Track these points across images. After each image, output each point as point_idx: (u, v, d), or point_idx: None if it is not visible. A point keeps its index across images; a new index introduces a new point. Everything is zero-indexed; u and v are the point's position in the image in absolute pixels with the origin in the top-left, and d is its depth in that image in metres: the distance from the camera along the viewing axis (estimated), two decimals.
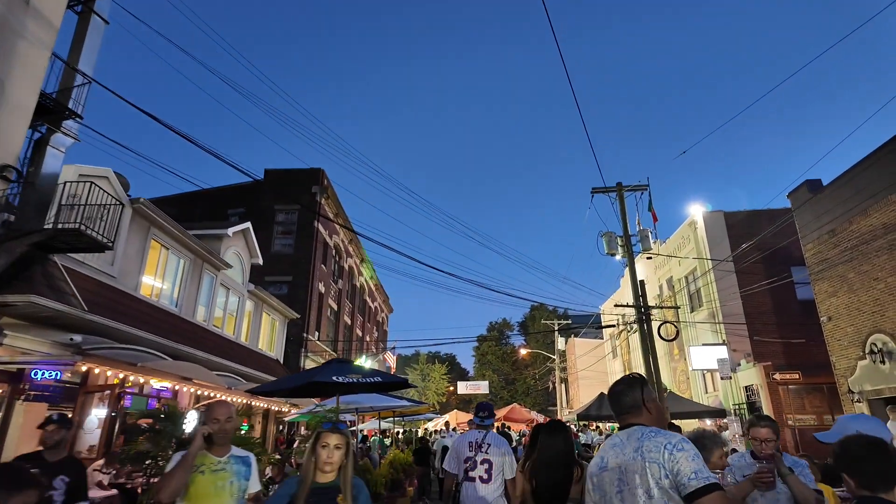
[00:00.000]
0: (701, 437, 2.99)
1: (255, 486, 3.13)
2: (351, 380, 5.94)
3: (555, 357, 42.83)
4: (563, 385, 43.16)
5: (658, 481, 2.18)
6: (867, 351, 13.18)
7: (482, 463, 4.43)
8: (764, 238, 19.20)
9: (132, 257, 11.88)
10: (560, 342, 43.39)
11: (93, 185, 9.58)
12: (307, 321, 24.33)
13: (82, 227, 8.64)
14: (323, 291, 27.60)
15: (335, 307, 30.29)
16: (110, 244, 9.37)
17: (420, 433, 22.90)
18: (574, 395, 44.82)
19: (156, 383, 10.98)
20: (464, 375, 64.37)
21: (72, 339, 7.55)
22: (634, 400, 2.47)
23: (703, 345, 21.11)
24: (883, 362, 12.73)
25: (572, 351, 45.09)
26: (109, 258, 11.05)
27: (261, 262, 18.52)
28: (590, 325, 32.16)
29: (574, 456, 3.72)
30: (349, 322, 33.50)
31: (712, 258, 21.52)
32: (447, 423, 26.57)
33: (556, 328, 37.10)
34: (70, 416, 10.97)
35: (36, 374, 7.60)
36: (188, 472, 2.83)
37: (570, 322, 41.89)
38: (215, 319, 15.76)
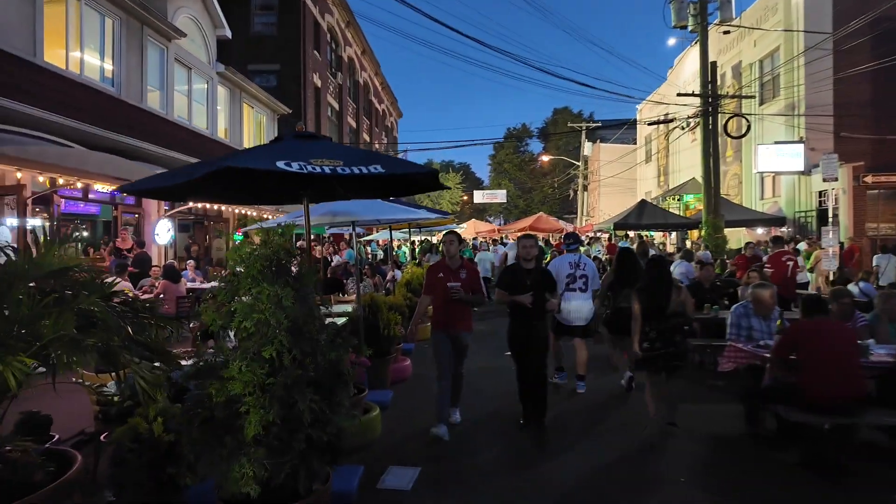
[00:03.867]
0: None
1: None
2: (318, 169, 2.84)
3: (578, 163, 39.73)
4: (583, 193, 40.79)
5: None
6: None
7: (580, 278, 5.80)
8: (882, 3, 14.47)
9: (11, 5, 8.06)
10: (586, 147, 39.83)
11: None
12: (304, 118, 20.81)
13: None
14: (319, 85, 23.51)
15: (336, 105, 26.39)
16: None
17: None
18: (593, 204, 42.80)
19: (103, 187, 8.15)
20: (479, 185, 62.25)
21: None
22: None
23: (776, 142, 17.62)
24: None
25: (596, 157, 41.72)
26: None
27: (228, 33, 14.30)
28: (629, 123, 28.36)
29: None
30: (354, 124, 29.86)
31: (808, 31, 16.79)
32: (499, 240, 24.41)
33: (585, 128, 33.28)
34: None
35: None
36: None
37: (599, 124, 37.78)
38: (177, 108, 12.38)
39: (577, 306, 5.67)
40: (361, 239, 23.71)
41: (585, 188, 41.17)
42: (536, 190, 54.77)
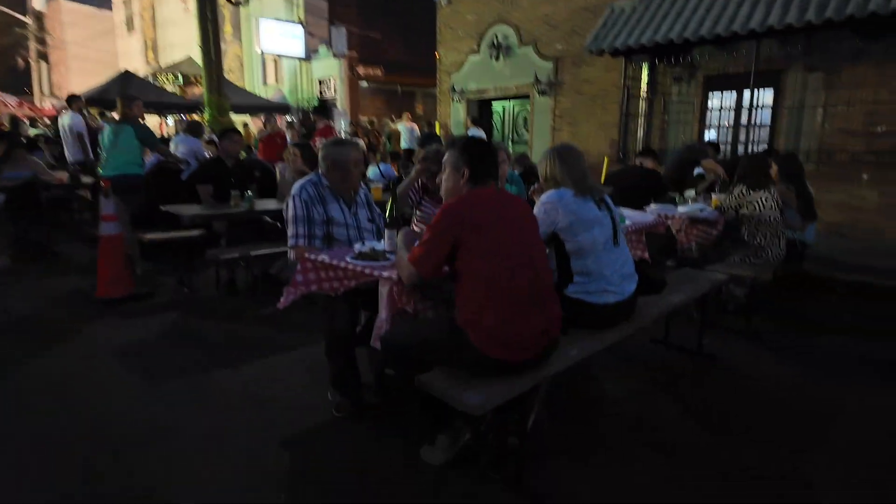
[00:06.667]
0: None
1: None
2: None
3: (27, 21, 28.93)
4: (41, 63, 30.37)
5: None
6: (486, 44, 11.63)
7: None
8: None
9: None
10: (37, 0, 29.17)
11: None
12: None
13: None
14: None
15: None
16: None
17: None
18: (61, 80, 32.89)
19: None
20: None
21: None
22: None
23: (277, 19, 16.23)
24: (497, 58, 11.48)
25: (57, 18, 31.38)
26: None
27: None
28: None
29: None
30: None
31: None
32: None
33: None
34: None
35: None
36: None
37: None
38: None
39: None
40: None
41: (44, 58, 30.68)
42: None
